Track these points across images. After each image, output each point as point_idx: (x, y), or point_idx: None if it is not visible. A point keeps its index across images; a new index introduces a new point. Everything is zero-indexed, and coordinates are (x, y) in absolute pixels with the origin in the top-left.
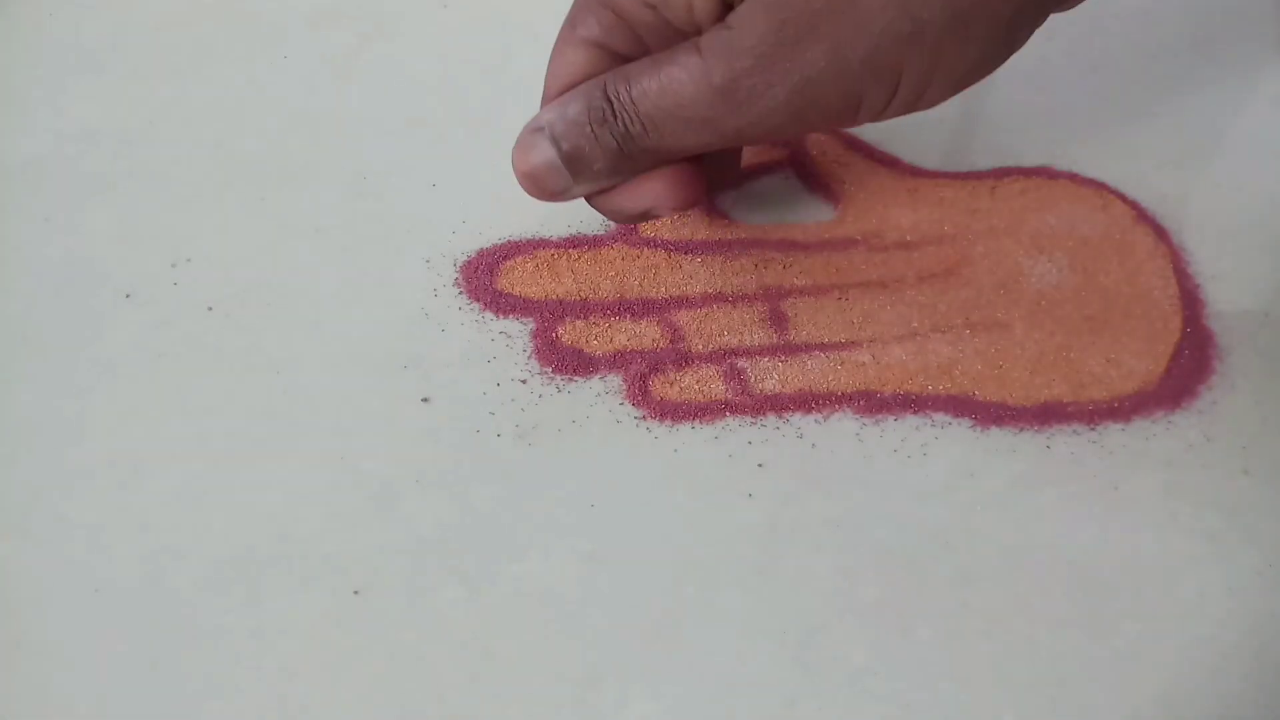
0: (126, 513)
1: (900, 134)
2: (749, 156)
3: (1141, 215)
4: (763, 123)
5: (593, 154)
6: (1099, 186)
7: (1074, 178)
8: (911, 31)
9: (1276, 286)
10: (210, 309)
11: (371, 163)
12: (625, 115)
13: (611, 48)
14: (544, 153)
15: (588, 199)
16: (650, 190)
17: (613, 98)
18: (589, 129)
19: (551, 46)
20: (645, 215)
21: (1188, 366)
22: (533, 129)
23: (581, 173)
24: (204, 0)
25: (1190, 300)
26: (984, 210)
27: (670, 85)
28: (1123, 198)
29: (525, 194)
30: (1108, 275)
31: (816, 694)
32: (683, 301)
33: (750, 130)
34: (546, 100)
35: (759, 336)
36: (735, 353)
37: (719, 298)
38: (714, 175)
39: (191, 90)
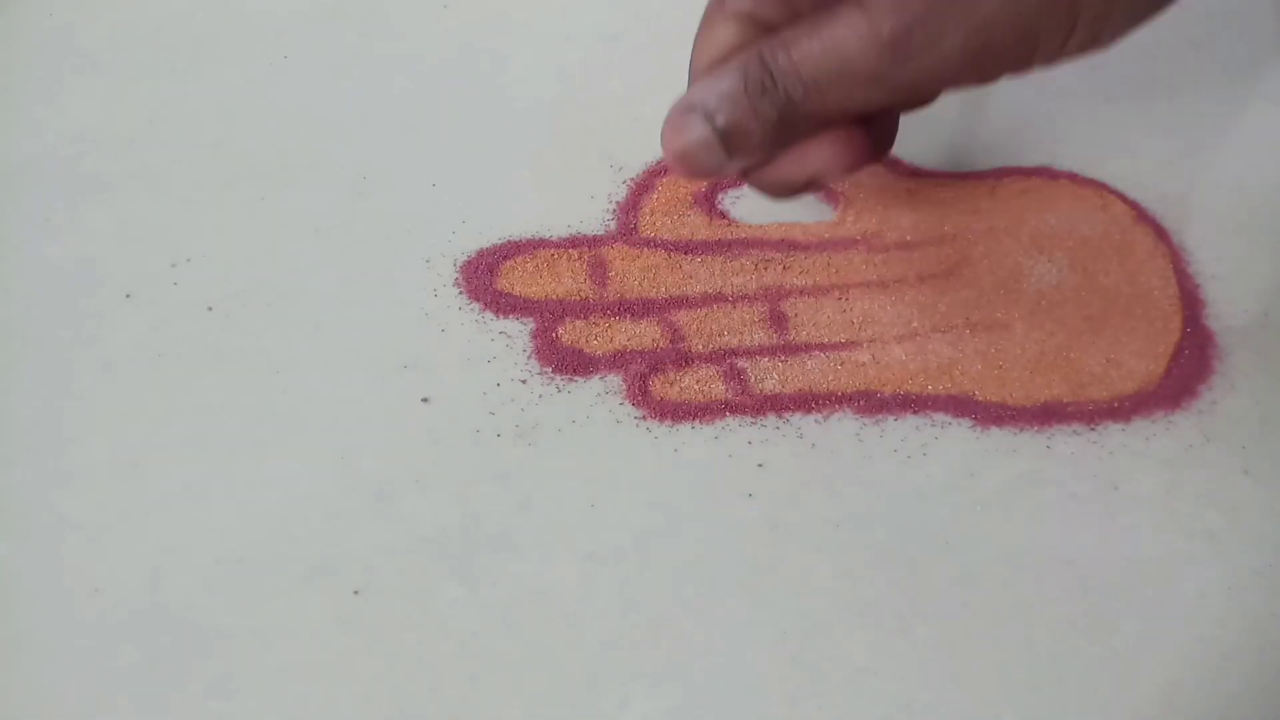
0: (126, 513)
1: (900, 134)
2: None
3: (1141, 215)
4: (935, 75)
5: (751, 126)
6: (1099, 186)
7: (1074, 178)
8: None
9: (1277, 286)
10: (210, 309)
11: (371, 163)
12: (786, 82)
13: (762, 18)
14: (698, 130)
15: (746, 178)
16: (816, 156)
17: (771, 66)
18: (747, 101)
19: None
20: (810, 185)
21: (1188, 366)
22: (684, 108)
23: (739, 147)
24: (204, 0)
25: (1190, 300)
26: (984, 210)
27: (835, 44)
28: (1123, 198)
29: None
30: (1108, 275)
31: (816, 694)
32: (683, 301)
33: (922, 84)
34: (695, 78)
35: (759, 336)
36: (735, 353)
37: (719, 298)
38: (876, 136)
39: (191, 90)
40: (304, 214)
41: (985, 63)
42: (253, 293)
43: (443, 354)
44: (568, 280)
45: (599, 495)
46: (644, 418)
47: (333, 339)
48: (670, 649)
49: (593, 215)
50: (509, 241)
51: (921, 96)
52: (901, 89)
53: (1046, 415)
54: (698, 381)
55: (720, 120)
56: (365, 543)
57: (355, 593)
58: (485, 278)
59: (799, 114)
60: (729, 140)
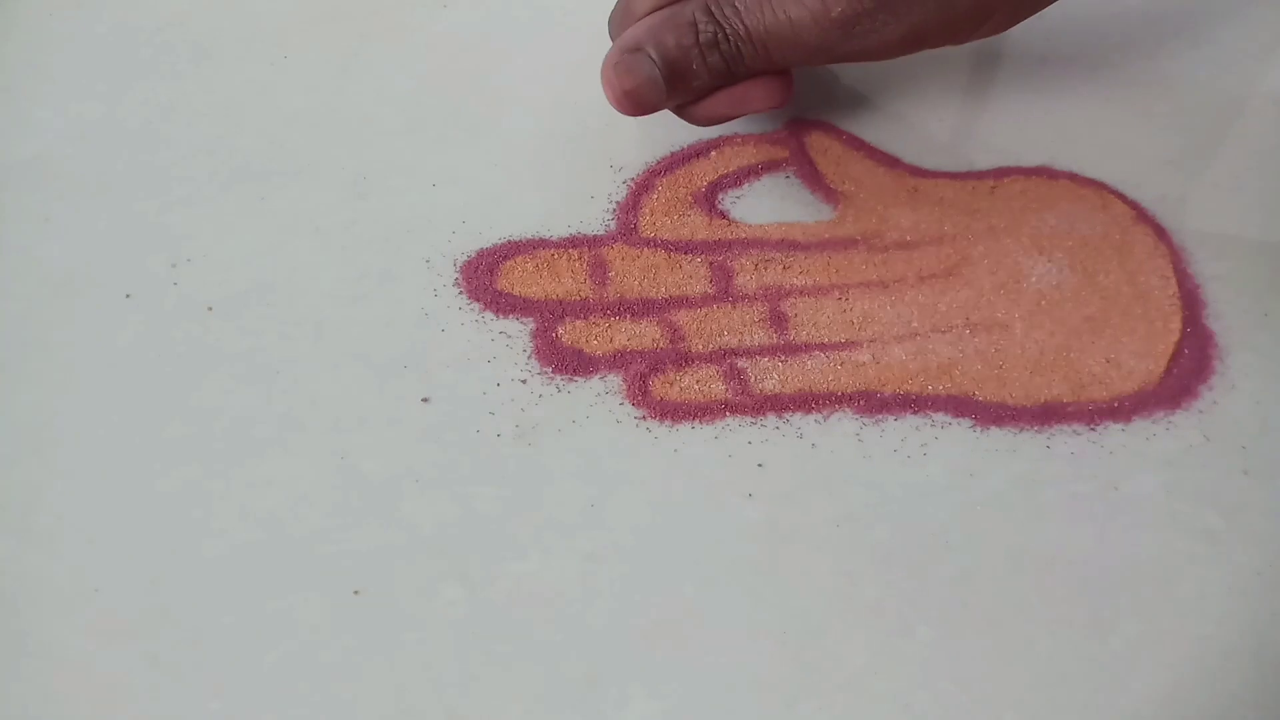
0: (126, 513)
1: (901, 134)
2: (748, 158)
3: (1141, 215)
4: (870, 52)
5: (699, 73)
6: (1099, 186)
7: (1074, 178)
8: None
9: (1276, 286)
10: (210, 309)
11: (371, 163)
12: (738, 41)
13: None
14: (647, 70)
15: (675, 109)
16: (747, 97)
17: (724, 23)
18: (698, 51)
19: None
20: (731, 118)
21: (1188, 366)
22: (629, 48)
23: (679, 89)
24: (204, 0)
25: (1190, 300)
26: (984, 210)
27: (786, 15)
28: (1123, 198)
29: (616, 111)
30: (1108, 275)
31: (816, 694)
32: (683, 301)
33: (857, 56)
34: (629, 20)
35: (759, 336)
36: (735, 353)
37: (719, 298)
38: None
39: (191, 90)
40: (304, 214)
41: (913, 45)
42: (253, 293)
43: (443, 354)
44: (568, 280)
45: (599, 495)
46: (644, 418)
47: (333, 339)
48: (670, 649)
49: (593, 215)
50: (509, 241)
51: (854, 62)
52: (839, 58)
53: (1046, 415)
54: (698, 381)
55: (665, 65)
56: (365, 543)
57: (355, 593)
58: (485, 278)
59: (743, 67)
60: (672, 83)
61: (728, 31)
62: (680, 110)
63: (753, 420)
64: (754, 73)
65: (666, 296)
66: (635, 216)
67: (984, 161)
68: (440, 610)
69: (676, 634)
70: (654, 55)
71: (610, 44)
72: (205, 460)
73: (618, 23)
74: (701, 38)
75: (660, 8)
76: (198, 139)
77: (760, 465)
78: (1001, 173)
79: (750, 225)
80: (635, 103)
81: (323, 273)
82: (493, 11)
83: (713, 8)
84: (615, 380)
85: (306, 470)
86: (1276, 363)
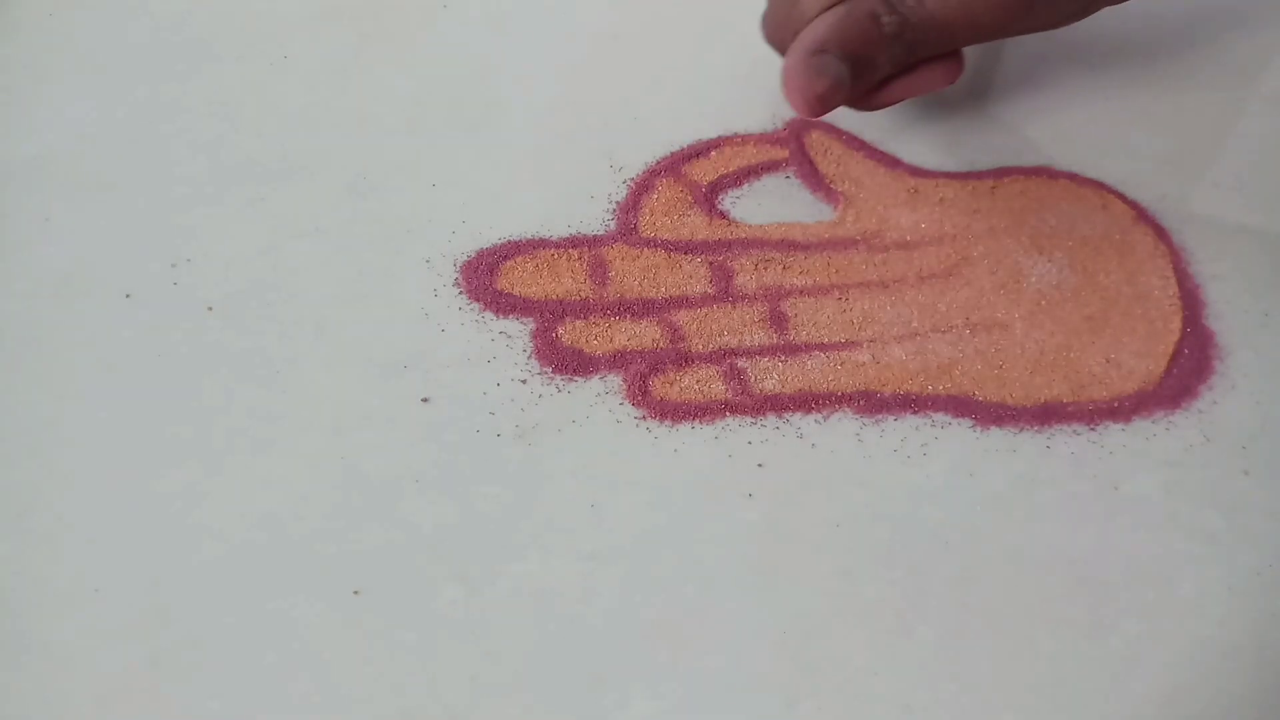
0: (126, 513)
1: (901, 134)
2: (748, 159)
3: (1142, 215)
4: (1044, 25)
5: (880, 64)
6: (1099, 186)
7: (1074, 178)
8: None
9: (1277, 286)
10: (210, 309)
11: (371, 162)
12: (922, 28)
13: None
14: (835, 71)
15: (852, 102)
16: (925, 79)
17: (905, 12)
18: (882, 43)
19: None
20: (900, 100)
21: (1188, 366)
22: (813, 50)
23: (862, 83)
24: (204, 0)
25: (1190, 300)
26: (984, 210)
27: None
28: (1123, 198)
29: (798, 113)
30: (1108, 275)
31: (816, 694)
32: (683, 301)
33: (1030, 31)
34: (798, 21)
35: (759, 337)
36: (735, 353)
37: (719, 298)
38: None
39: (191, 90)
40: (304, 214)
41: (1085, 13)
42: (252, 293)
43: (443, 354)
44: (568, 280)
45: (599, 495)
46: (644, 418)
47: (333, 339)
48: (670, 649)
49: (593, 215)
50: (509, 241)
51: (1025, 35)
52: (1013, 34)
53: (1046, 415)
54: (698, 381)
55: (851, 61)
56: (365, 543)
57: (355, 593)
58: (485, 278)
59: (925, 52)
60: (855, 78)
61: (910, 20)
62: (854, 101)
63: (753, 420)
64: (931, 58)
65: (666, 296)
66: (635, 216)
67: (984, 161)
68: (440, 610)
69: (677, 634)
70: (839, 54)
71: (767, 48)
72: (205, 460)
73: (780, 24)
74: (885, 30)
75: (831, 6)
76: (198, 139)
77: (760, 465)
78: (1002, 173)
79: (750, 225)
80: (824, 105)
81: (323, 272)
82: (492, 12)
83: None
84: (615, 380)
85: (306, 470)
86: (1277, 363)
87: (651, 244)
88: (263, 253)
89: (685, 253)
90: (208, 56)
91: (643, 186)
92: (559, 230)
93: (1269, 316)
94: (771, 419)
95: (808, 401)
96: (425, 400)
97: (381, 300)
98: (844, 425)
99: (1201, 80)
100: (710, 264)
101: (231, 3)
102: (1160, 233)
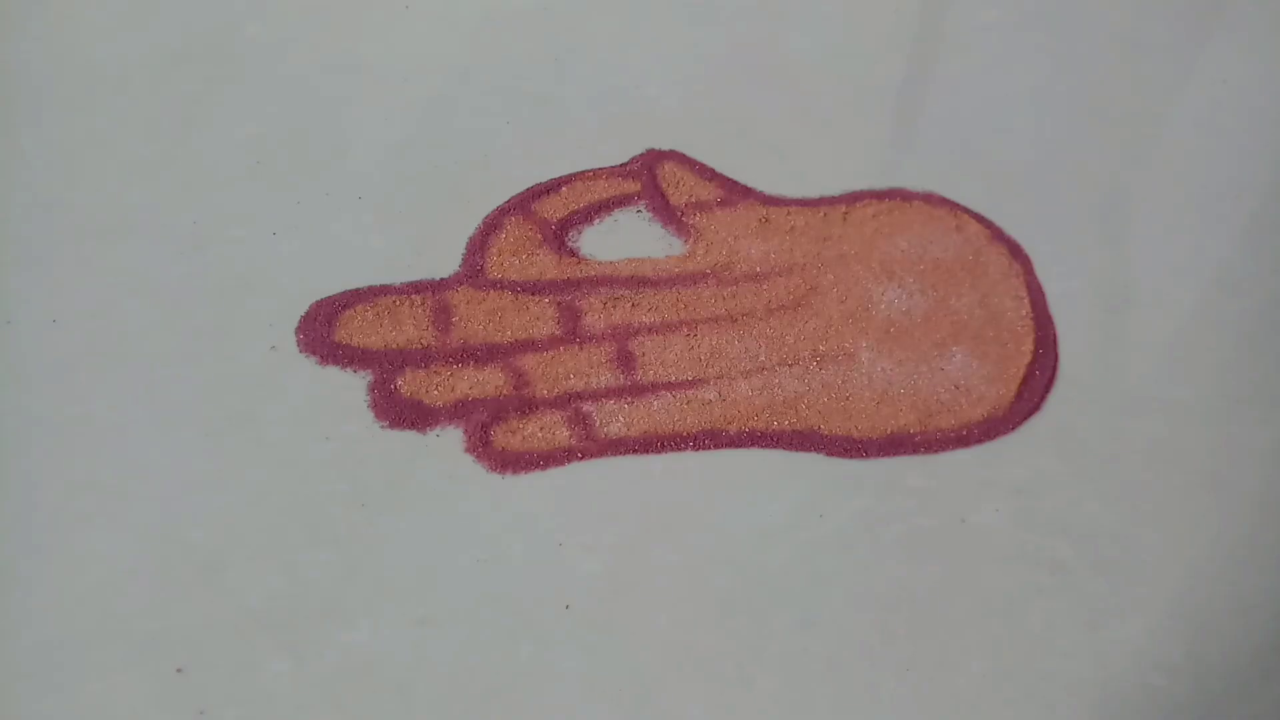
0: None
1: (754, 164)
2: (599, 193)
3: (997, 234)
4: None
5: None
6: (953, 207)
7: (929, 199)
8: None
9: (1129, 303)
10: (35, 374)
11: (210, 212)
12: None
13: None
14: None
15: None
16: None
17: None
18: None
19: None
20: None
21: (1038, 389)
22: None
23: None
24: (42, 49)
25: (1043, 321)
26: (835, 237)
27: None
28: (978, 218)
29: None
30: (960, 298)
31: None
32: (528, 345)
33: None
34: None
35: (606, 378)
36: (581, 396)
37: (566, 339)
38: None
39: (29, 145)
40: (138, 272)
41: None
42: (81, 358)
43: (275, 413)
44: (409, 327)
45: (434, 557)
46: (484, 470)
47: (162, 403)
48: (504, 713)
49: (439, 257)
50: (349, 290)
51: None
52: None
53: (893, 446)
54: (541, 429)
55: None
56: (190, 617)
57: (178, 670)
58: (323, 329)
59: None
60: None
61: None
62: None
63: (597, 466)
64: None
65: (512, 340)
66: (483, 257)
67: (838, 186)
68: (266, 685)
69: (511, 699)
70: None
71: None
72: (23, 536)
73: None
74: None
75: None
76: (32, 196)
77: (602, 513)
78: (854, 197)
79: (600, 262)
80: None
81: (154, 334)
82: (339, 52)
83: None
84: (456, 433)
85: (132, 542)
86: (1125, 389)
87: (498, 285)
88: (93, 315)
89: (533, 293)
90: (47, 107)
91: (491, 226)
92: (404, 275)
93: (1120, 334)
94: (616, 462)
95: (654, 443)
96: (256, 464)
97: (214, 359)
98: (689, 466)
99: (1058, 96)
100: (558, 304)
101: (71, 51)
102: (1015, 251)
